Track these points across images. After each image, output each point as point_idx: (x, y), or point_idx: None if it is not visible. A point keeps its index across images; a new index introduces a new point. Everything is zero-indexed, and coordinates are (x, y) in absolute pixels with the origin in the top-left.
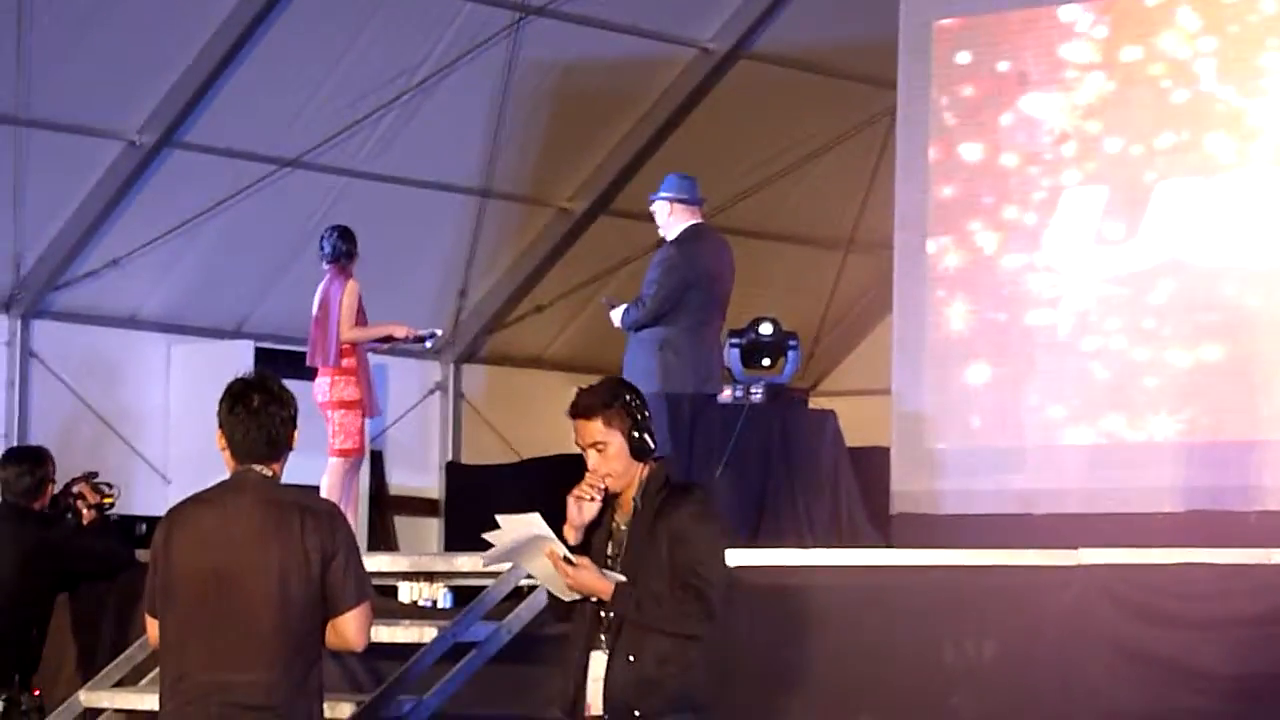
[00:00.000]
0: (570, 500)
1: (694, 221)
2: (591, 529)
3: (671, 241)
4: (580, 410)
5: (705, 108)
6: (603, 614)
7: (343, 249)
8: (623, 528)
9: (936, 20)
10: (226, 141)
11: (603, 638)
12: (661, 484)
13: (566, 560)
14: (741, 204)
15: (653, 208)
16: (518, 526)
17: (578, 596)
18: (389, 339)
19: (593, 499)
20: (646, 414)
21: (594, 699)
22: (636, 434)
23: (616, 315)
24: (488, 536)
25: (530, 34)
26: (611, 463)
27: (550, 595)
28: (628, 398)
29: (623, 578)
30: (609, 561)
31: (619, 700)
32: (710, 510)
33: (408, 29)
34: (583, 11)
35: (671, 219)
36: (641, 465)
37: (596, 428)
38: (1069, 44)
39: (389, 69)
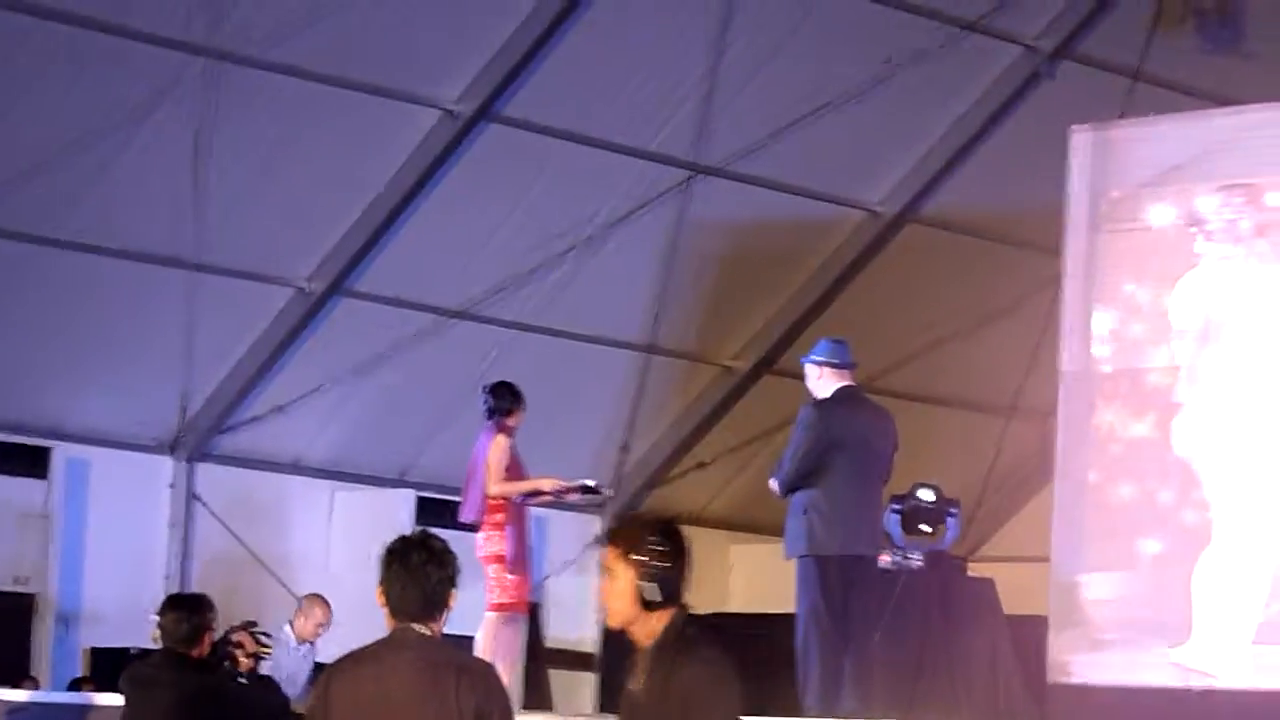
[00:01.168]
0: None
1: (843, 384)
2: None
3: (814, 403)
4: (609, 531)
5: (872, 270)
6: None
7: (493, 405)
8: (637, 685)
9: (1106, 191)
10: (395, 291)
11: None
12: (675, 636)
13: None
14: (906, 367)
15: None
16: None
17: None
18: (537, 493)
19: None
20: (669, 567)
21: None
22: (645, 582)
23: (773, 482)
24: None
25: (700, 192)
26: (613, 597)
27: None
28: (655, 543)
29: None
30: None
31: None
32: (720, 671)
33: (579, 184)
34: (753, 172)
35: (821, 382)
36: (662, 613)
37: (611, 554)
38: (1239, 224)
39: (559, 223)
